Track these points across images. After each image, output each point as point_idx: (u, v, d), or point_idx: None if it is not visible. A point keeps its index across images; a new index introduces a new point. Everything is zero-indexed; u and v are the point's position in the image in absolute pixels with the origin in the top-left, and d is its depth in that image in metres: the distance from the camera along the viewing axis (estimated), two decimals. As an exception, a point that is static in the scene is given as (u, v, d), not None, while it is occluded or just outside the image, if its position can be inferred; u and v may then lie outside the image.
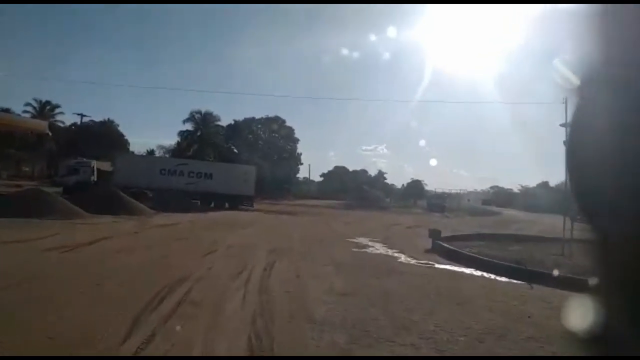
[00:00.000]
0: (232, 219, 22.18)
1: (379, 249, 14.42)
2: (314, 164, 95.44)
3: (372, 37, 63.54)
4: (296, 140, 71.65)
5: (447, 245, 14.09)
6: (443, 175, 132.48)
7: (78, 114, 44.01)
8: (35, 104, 49.32)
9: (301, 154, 71.24)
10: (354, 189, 72.50)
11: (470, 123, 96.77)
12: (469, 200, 79.55)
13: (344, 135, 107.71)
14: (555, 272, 9.72)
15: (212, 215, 23.64)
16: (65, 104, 70.81)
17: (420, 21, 56.75)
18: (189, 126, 55.27)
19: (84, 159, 29.88)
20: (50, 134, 26.89)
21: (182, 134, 54.81)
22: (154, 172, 30.02)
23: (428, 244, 15.65)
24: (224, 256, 10.38)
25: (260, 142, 69.04)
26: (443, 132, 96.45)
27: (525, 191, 79.83)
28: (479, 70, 66.25)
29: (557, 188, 79.72)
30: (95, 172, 29.13)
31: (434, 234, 16.22)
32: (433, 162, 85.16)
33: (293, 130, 69.98)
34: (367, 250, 13.87)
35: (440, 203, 54.78)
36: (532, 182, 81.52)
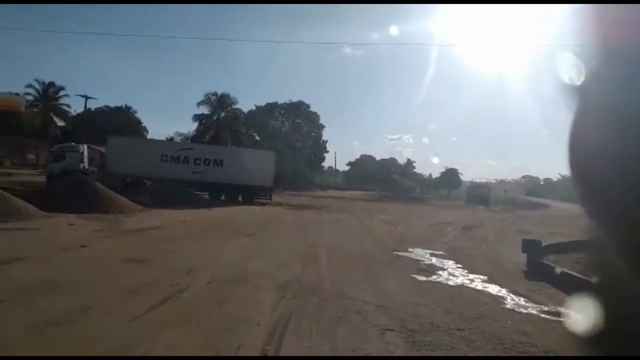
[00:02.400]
0: (240, 218, 17.25)
1: (453, 272, 9.17)
2: (339, 153, 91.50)
3: (395, 26, 58.50)
4: (321, 127, 66.49)
5: (570, 273, 8.61)
6: (470, 165, 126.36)
7: (82, 96, 39.99)
8: (37, 86, 45.54)
9: (327, 141, 66.04)
10: (383, 179, 67.19)
11: (496, 111, 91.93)
12: (505, 190, 73.29)
13: (368, 124, 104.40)
14: None
15: (216, 212, 18.77)
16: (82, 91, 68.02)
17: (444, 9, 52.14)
18: (204, 110, 50.69)
19: (72, 143, 25.60)
20: (23, 110, 22.68)
21: (197, 118, 50.23)
22: (154, 158, 25.44)
23: (515, 257, 10.53)
24: (186, 315, 5.36)
25: (283, 128, 64.28)
26: (469, 121, 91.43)
27: (566, 180, 73.68)
28: (506, 59, 60.84)
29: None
30: (86, 159, 24.82)
31: (531, 247, 10.82)
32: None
33: (318, 115, 64.83)
34: (437, 278, 8.62)
35: (484, 194, 48.40)
36: (559, 171, 77.17)
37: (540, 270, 9.54)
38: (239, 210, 20.19)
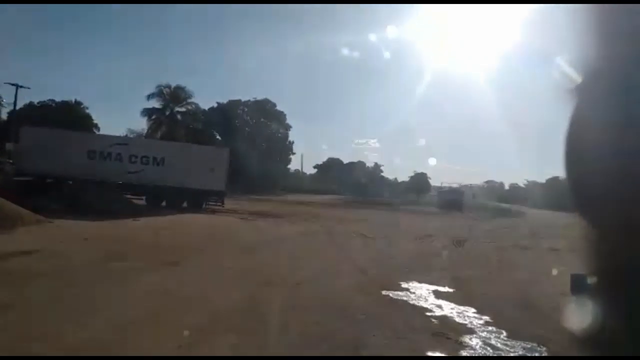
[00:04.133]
0: (171, 233, 13.04)
1: (487, 338, 5.54)
2: (307, 156, 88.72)
3: (367, 35, 56.63)
4: (288, 127, 62.71)
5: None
6: (434, 169, 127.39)
7: (12, 84, 34.36)
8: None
9: (293, 142, 62.19)
10: (351, 183, 64.14)
11: (462, 118, 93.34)
12: (474, 196, 72.17)
13: (336, 128, 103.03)
14: None
15: (141, 224, 14.37)
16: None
17: (414, 19, 50.24)
18: (156, 103, 45.43)
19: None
20: None
21: (147, 112, 44.84)
22: (80, 155, 20.76)
23: (555, 298, 7.24)
24: None
25: (247, 127, 59.99)
26: (435, 127, 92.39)
27: (533, 186, 73.82)
28: (472, 66, 61.87)
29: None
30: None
31: (580, 283, 7.37)
32: (432, 161, 79.22)
33: (284, 115, 60.98)
34: (473, 353, 4.97)
35: (457, 200, 45.81)
36: (521, 177, 78.81)
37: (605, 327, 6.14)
38: (176, 222, 15.90)
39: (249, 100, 60.19)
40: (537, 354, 5.56)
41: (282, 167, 62.47)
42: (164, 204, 21.16)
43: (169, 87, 44.83)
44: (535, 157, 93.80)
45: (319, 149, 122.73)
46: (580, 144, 0.87)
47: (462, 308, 6.82)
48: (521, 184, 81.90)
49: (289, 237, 14.03)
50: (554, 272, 10.53)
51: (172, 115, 45.78)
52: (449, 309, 6.81)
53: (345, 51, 53.45)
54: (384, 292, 7.54)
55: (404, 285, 8.20)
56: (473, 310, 6.72)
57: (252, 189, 44.29)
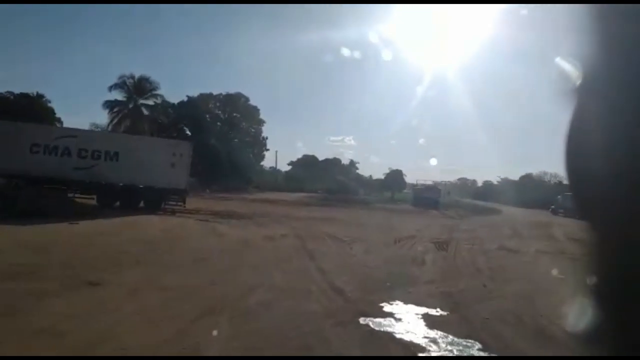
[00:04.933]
0: (100, 244, 10.89)
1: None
2: (282, 153, 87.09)
3: (344, 32, 55.61)
4: (261, 122, 60.62)
5: None
6: (408, 167, 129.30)
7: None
8: None
9: (267, 138, 60.07)
10: (326, 180, 62.59)
11: (438, 117, 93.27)
12: (449, 193, 71.97)
13: (311, 126, 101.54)
14: None
15: (76, 230, 12.12)
16: None
17: (391, 18, 49.95)
18: (119, 95, 42.46)
19: None
20: None
21: (109, 105, 41.84)
22: (21, 149, 18.35)
23: (564, 318, 5.62)
24: None
25: (218, 122, 57.65)
26: (409, 124, 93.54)
27: (506, 184, 74.53)
28: (447, 65, 62.40)
29: (539, 180, 75.83)
30: None
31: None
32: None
33: (258, 110, 58.84)
34: None
35: (434, 197, 44.75)
36: (494, 175, 79.51)
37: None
38: (121, 226, 13.65)
39: (220, 94, 57.86)
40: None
41: (255, 164, 60.39)
42: (117, 204, 18.96)
43: (132, 77, 42.04)
44: (510, 156, 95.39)
45: (295, 147, 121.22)
46: (580, 144, 0.79)
47: (463, 343, 5.23)
48: (494, 182, 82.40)
49: (252, 242, 12.21)
50: (556, 279, 9.28)
51: (136, 108, 42.96)
52: (446, 344, 5.21)
53: (322, 49, 52.02)
54: (362, 320, 5.88)
55: (387, 308, 6.57)
56: (478, 346, 5.15)
57: (223, 187, 42.22)
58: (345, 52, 37.68)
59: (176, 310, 5.70)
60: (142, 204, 19.34)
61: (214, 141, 51.60)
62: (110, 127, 42.91)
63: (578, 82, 0.78)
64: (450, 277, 9.45)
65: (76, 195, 18.83)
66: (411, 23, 60.50)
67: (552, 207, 49.79)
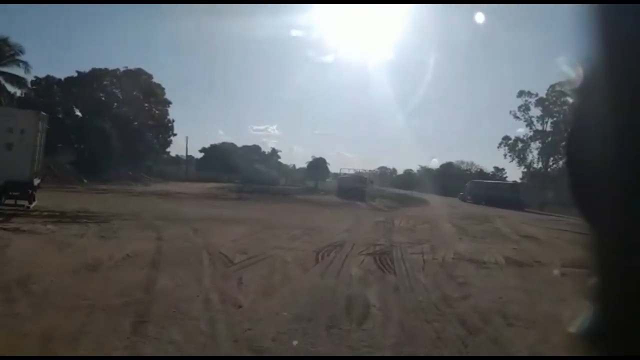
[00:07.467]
0: None
1: None
2: (199, 141, 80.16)
3: (272, 20, 50.27)
4: (167, 103, 53.06)
5: None
6: (331, 157, 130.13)
7: None
8: None
9: (174, 121, 52.66)
10: (245, 169, 56.99)
11: (362, 108, 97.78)
12: (372, 182, 70.62)
13: (234, 114, 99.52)
14: None
15: None
16: None
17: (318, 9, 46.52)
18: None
19: None
20: None
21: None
22: None
23: None
24: None
25: (115, 102, 49.14)
26: (331, 115, 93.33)
27: (425, 172, 75.85)
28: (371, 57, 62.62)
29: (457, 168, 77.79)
30: None
31: None
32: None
33: (163, 89, 51.31)
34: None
35: (359, 187, 41.18)
36: (414, 164, 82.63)
37: None
38: None
39: (118, 70, 49.23)
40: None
41: (159, 150, 52.75)
42: None
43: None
44: (429, 145, 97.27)
45: (216, 135, 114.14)
46: (582, 145, 0.80)
47: None
48: (414, 170, 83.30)
49: (82, 270, 6.73)
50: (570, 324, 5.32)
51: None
52: None
53: (246, 34, 46.15)
54: None
55: None
56: None
57: (113, 177, 34.97)
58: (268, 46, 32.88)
59: None
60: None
61: (109, 124, 43.62)
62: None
63: (578, 82, 0.77)
64: (414, 341, 4.95)
65: None
66: (334, 17, 57.53)
67: (461, 193, 50.18)
